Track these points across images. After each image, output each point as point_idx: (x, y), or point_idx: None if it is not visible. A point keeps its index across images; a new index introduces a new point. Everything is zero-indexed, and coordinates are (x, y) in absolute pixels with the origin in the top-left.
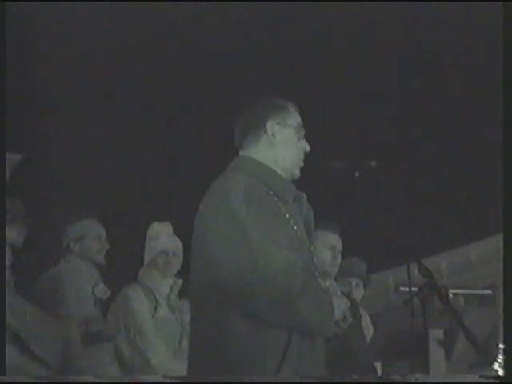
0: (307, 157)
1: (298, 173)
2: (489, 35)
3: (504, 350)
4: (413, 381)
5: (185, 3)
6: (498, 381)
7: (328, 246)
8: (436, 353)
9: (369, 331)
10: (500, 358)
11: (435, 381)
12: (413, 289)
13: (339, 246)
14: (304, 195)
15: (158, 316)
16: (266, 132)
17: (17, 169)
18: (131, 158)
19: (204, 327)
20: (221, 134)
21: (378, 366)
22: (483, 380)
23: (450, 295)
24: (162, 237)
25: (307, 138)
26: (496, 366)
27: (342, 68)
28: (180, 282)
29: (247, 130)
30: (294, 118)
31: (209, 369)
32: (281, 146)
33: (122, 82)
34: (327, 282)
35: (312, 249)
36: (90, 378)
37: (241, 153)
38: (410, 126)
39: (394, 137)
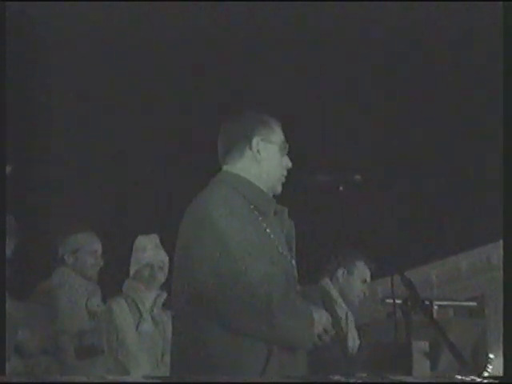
0: (291, 170)
1: (280, 189)
2: (489, 35)
3: (492, 358)
4: (412, 381)
5: (184, 4)
6: (497, 381)
7: (363, 279)
8: (421, 365)
9: (355, 342)
10: (489, 367)
11: (435, 381)
12: (397, 301)
13: (369, 280)
14: (285, 209)
15: (141, 329)
16: (250, 148)
17: (9, 179)
18: (123, 171)
19: (185, 338)
20: (209, 147)
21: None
22: (483, 380)
23: (436, 307)
24: (148, 250)
25: (292, 150)
26: (485, 375)
27: (329, 77)
28: (164, 294)
29: (231, 145)
30: (278, 135)
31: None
32: (265, 162)
33: (122, 84)
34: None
35: (293, 262)
36: (84, 379)
37: (224, 167)
38: (397, 140)
39: (379, 149)
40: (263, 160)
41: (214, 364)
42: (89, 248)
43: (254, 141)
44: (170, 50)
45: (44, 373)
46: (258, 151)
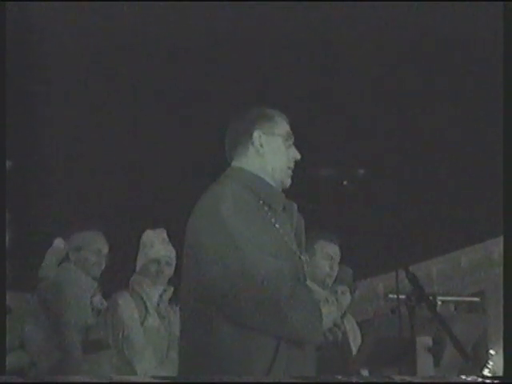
0: (296, 165)
1: (288, 182)
2: (489, 36)
3: (493, 355)
4: (414, 380)
5: (182, 5)
6: (497, 381)
7: (326, 255)
8: (424, 360)
9: (356, 338)
10: (490, 363)
11: (434, 381)
12: (401, 296)
13: (337, 256)
14: (294, 205)
15: (147, 324)
16: (252, 143)
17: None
18: (128, 166)
19: (193, 334)
20: (216, 143)
21: (366, 373)
22: (483, 380)
23: (439, 302)
24: (156, 245)
25: (295, 145)
26: (486, 371)
27: (332, 72)
28: (171, 289)
29: (235, 141)
30: (282, 127)
31: (198, 375)
32: (269, 155)
33: (124, 80)
34: (324, 291)
35: (302, 258)
36: (84, 379)
37: (232, 164)
38: (400, 136)
39: (382, 144)
40: (266, 153)
41: (221, 360)
42: (92, 247)
43: (255, 134)
44: (174, 47)
45: (48, 367)
46: (261, 145)
